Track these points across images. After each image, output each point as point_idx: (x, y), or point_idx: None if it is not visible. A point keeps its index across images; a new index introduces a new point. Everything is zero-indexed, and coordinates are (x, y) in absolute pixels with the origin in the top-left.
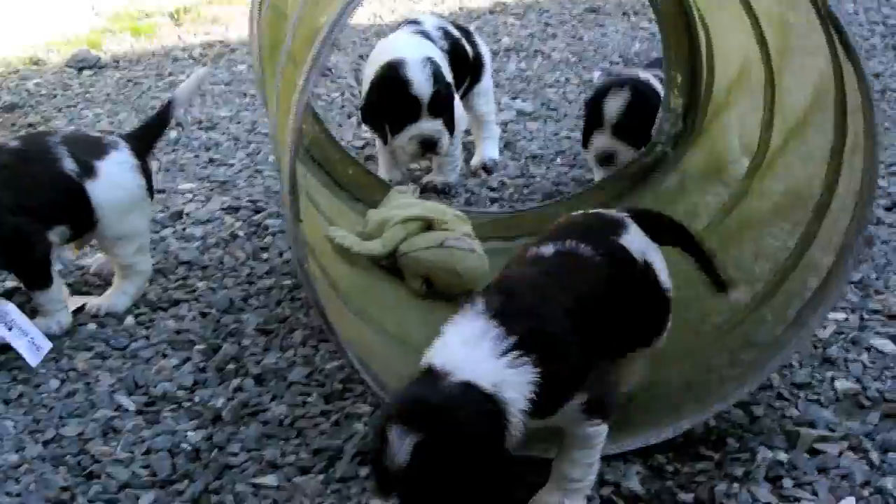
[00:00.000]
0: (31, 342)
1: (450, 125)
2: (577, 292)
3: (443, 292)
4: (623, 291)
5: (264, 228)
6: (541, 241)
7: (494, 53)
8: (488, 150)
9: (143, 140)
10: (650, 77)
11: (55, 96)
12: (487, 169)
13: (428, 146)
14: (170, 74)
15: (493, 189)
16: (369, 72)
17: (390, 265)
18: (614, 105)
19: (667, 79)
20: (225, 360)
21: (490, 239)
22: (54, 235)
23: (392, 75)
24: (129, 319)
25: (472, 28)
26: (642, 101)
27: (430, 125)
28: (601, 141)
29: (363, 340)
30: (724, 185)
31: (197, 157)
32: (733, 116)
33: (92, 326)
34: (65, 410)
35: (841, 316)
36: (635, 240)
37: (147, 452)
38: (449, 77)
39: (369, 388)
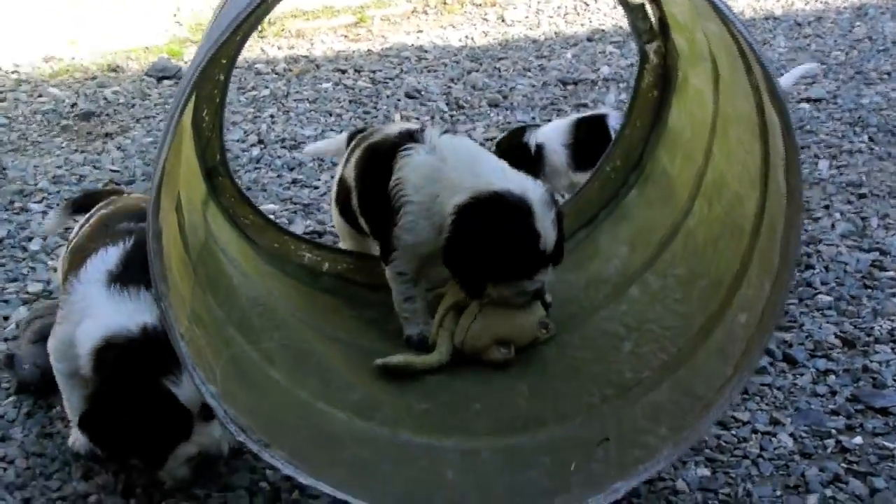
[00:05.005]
0: None
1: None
2: None
3: (526, 342)
4: None
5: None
6: None
7: (593, 83)
8: None
9: None
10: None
11: (133, 106)
12: None
13: (537, 295)
14: (252, 88)
15: None
16: (456, 198)
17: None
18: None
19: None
20: None
21: None
22: None
23: (512, 219)
24: None
25: (568, 56)
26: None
27: (547, 276)
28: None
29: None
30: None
31: (280, 177)
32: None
33: None
34: None
35: None
36: None
37: None
38: None
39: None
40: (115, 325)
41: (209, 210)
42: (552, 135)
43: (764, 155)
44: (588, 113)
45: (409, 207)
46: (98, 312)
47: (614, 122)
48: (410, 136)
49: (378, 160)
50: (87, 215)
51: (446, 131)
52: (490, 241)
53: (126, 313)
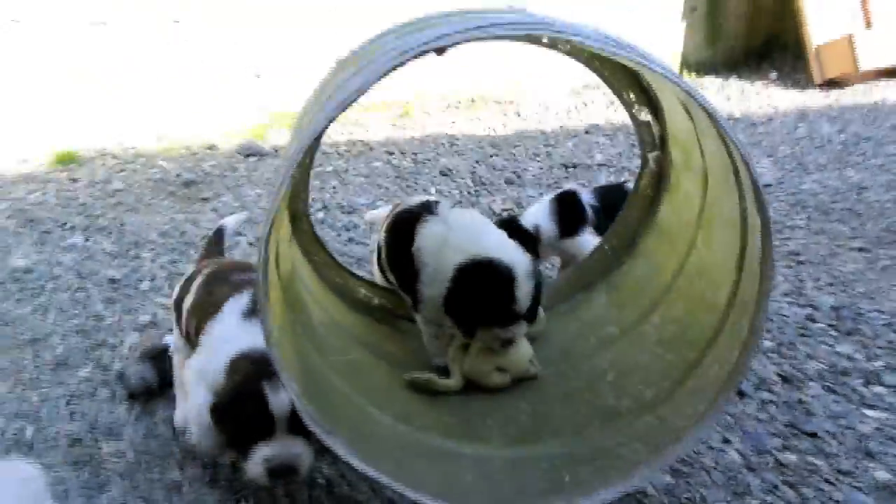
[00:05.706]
0: None
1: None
2: None
3: (519, 373)
4: None
5: None
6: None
7: (588, 167)
8: None
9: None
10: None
11: (225, 177)
12: None
13: (509, 342)
14: (319, 165)
15: None
16: (458, 259)
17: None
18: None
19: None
20: None
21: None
22: None
23: (496, 282)
24: None
25: (570, 145)
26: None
27: (520, 329)
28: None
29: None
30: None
31: (339, 235)
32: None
33: None
34: None
35: (883, 415)
36: None
37: None
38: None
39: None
40: (247, 346)
41: (293, 246)
42: (540, 214)
43: (742, 249)
44: (560, 191)
45: (427, 269)
46: (234, 338)
47: (586, 197)
48: (427, 209)
49: (402, 227)
50: (190, 277)
51: (454, 206)
52: (477, 296)
53: (259, 338)
